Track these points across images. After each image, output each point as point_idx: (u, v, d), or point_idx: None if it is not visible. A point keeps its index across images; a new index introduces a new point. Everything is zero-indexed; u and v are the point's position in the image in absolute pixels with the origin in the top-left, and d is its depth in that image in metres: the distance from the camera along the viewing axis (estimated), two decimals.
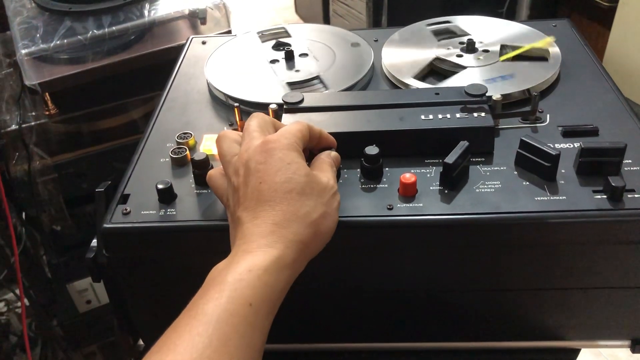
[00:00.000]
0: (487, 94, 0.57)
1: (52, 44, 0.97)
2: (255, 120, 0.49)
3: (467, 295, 0.55)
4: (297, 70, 0.70)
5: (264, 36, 0.78)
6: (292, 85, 0.67)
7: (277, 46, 0.75)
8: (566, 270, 0.52)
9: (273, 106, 0.58)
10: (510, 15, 2.01)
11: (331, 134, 0.54)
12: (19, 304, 1.26)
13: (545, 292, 0.54)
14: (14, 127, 1.00)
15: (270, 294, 0.40)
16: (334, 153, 0.51)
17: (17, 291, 1.03)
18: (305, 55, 0.73)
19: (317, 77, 0.68)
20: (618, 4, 1.50)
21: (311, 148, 0.51)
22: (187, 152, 0.58)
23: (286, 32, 0.78)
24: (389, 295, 0.56)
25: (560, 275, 0.52)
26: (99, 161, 1.10)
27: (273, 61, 0.72)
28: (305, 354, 0.63)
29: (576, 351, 0.59)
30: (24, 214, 1.12)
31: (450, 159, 0.50)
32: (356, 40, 0.75)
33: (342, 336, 0.60)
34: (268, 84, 0.67)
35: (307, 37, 0.77)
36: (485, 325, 0.58)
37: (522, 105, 0.61)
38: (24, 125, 1.00)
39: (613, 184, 0.48)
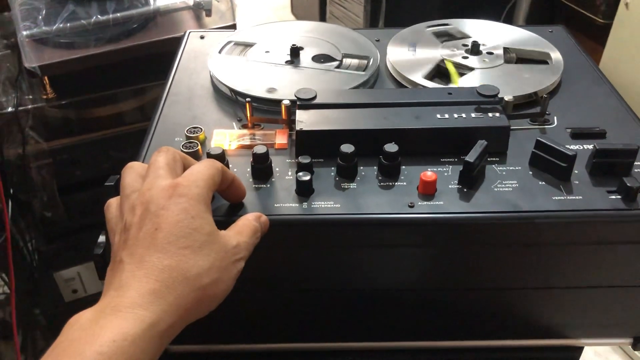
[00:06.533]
0: (498, 95, 0.58)
1: (54, 27, 0.95)
2: (164, 156, 0.45)
3: (474, 293, 0.56)
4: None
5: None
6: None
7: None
8: (576, 269, 0.53)
9: (286, 102, 0.57)
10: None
11: (349, 130, 0.54)
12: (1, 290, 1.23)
13: (554, 291, 0.55)
14: (10, 109, 0.98)
15: None
16: (264, 218, 0.47)
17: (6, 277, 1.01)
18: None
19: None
20: (613, 21, 1.52)
21: (219, 192, 0.48)
22: (199, 146, 0.56)
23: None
24: (402, 293, 0.56)
25: (571, 273, 0.53)
26: (94, 149, 1.08)
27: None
28: (311, 353, 0.62)
29: (580, 349, 0.60)
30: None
31: (471, 157, 0.50)
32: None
33: (352, 335, 0.60)
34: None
35: (306, 34, 0.75)
36: (491, 323, 0.58)
37: (530, 107, 0.62)
38: (20, 108, 0.99)
39: (628, 184, 0.49)
